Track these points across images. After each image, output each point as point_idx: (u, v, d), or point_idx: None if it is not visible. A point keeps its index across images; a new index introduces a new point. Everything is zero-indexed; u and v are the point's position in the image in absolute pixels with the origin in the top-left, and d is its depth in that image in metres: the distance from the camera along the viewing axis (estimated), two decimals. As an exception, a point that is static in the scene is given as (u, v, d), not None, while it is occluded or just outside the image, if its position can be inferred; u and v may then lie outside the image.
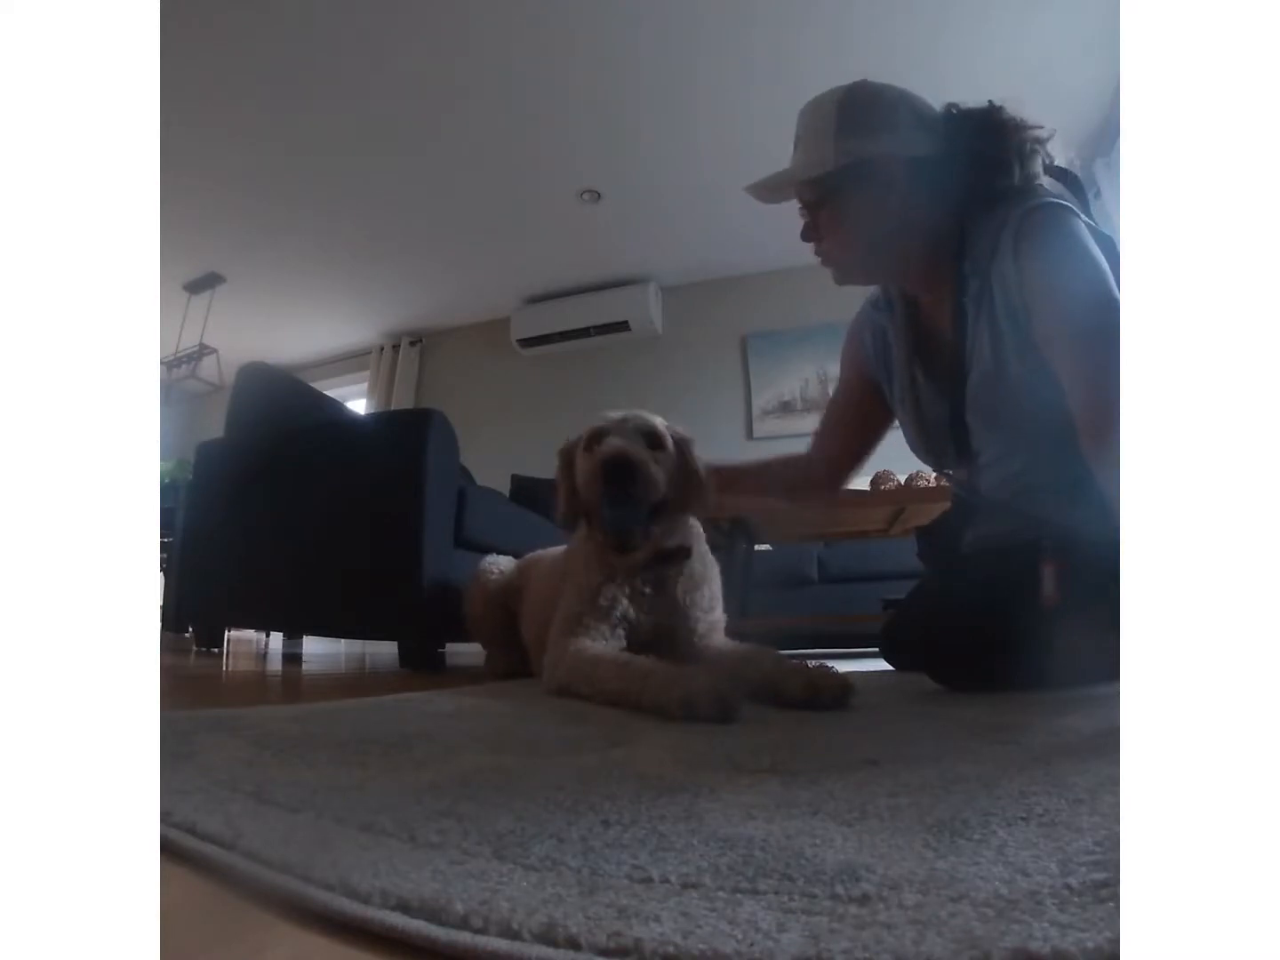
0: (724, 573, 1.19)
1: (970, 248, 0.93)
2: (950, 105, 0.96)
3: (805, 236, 1.00)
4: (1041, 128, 0.92)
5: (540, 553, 1.51)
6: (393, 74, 2.72)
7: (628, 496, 0.97)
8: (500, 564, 1.59)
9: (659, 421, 1.09)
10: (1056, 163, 0.95)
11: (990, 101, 0.93)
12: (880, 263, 1.00)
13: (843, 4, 2.45)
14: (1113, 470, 0.78)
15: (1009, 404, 0.93)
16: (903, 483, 2.19)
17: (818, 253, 1.01)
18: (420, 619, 1.69)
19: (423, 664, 1.71)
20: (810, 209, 0.97)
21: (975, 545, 1.05)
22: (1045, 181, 0.92)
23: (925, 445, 1.09)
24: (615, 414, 1.08)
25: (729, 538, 2.14)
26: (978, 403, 0.96)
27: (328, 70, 2.69)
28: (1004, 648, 0.88)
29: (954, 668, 0.97)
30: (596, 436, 1.04)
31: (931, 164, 0.91)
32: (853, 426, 1.19)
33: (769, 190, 0.98)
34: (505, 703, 0.90)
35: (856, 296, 1.17)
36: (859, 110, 0.91)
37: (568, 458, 1.10)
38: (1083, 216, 0.88)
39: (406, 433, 1.81)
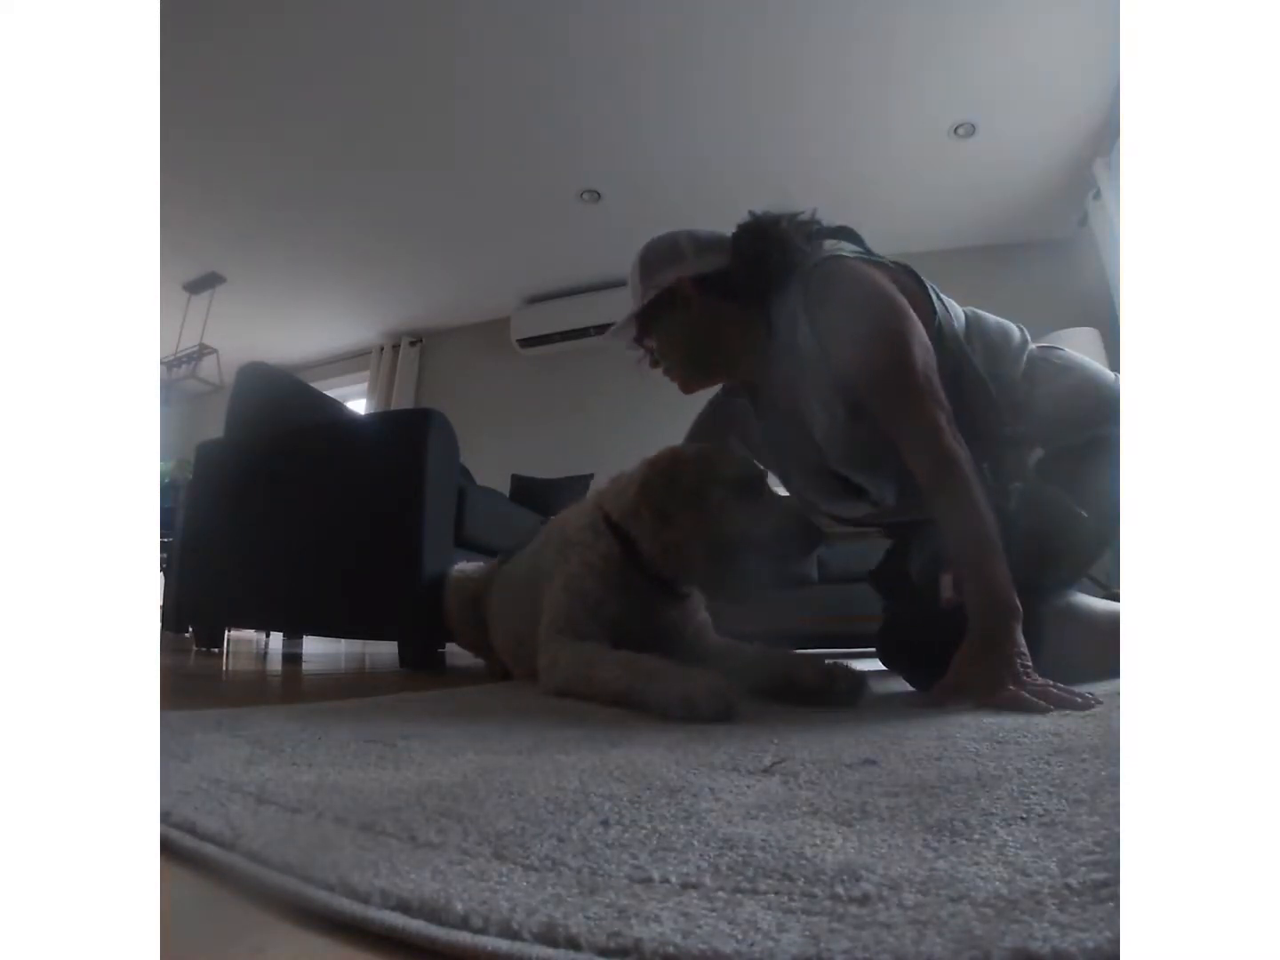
0: None
1: (776, 329, 1.05)
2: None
3: (650, 364, 1.18)
4: (802, 211, 1.08)
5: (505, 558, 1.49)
6: (393, 74, 2.72)
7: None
8: (467, 570, 1.59)
9: None
10: (826, 226, 1.09)
11: (750, 211, 1.09)
12: (707, 365, 1.15)
13: (843, 5, 2.45)
14: (956, 511, 0.81)
15: (860, 452, 1.02)
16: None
17: (665, 373, 1.17)
18: (420, 619, 1.69)
19: (422, 664, 1.71)
20: (642, 341, 1.16)
21: (923, 576, 1.09)
22: (825, 245, 1.05)
23: (824, 505, 1.18)
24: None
25: None
26: (835, 459, 1.06)
27: (328, 70, 2.69)
28: None
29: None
30: (753, 484, 1.00)
31: (717, 275, 1.07)
32: None
33: (616, 336, 1.17)
34: (505, 702, 0.90)
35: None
36: (653, 255, 1.11)
37: (677, 478, 0.99)
38: (855, 256, 1.01)
39: (406, 433, 1.81)
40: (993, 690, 0.73)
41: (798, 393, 1.05)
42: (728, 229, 1.10)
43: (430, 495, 1.74)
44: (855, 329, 0.92)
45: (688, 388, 1.18)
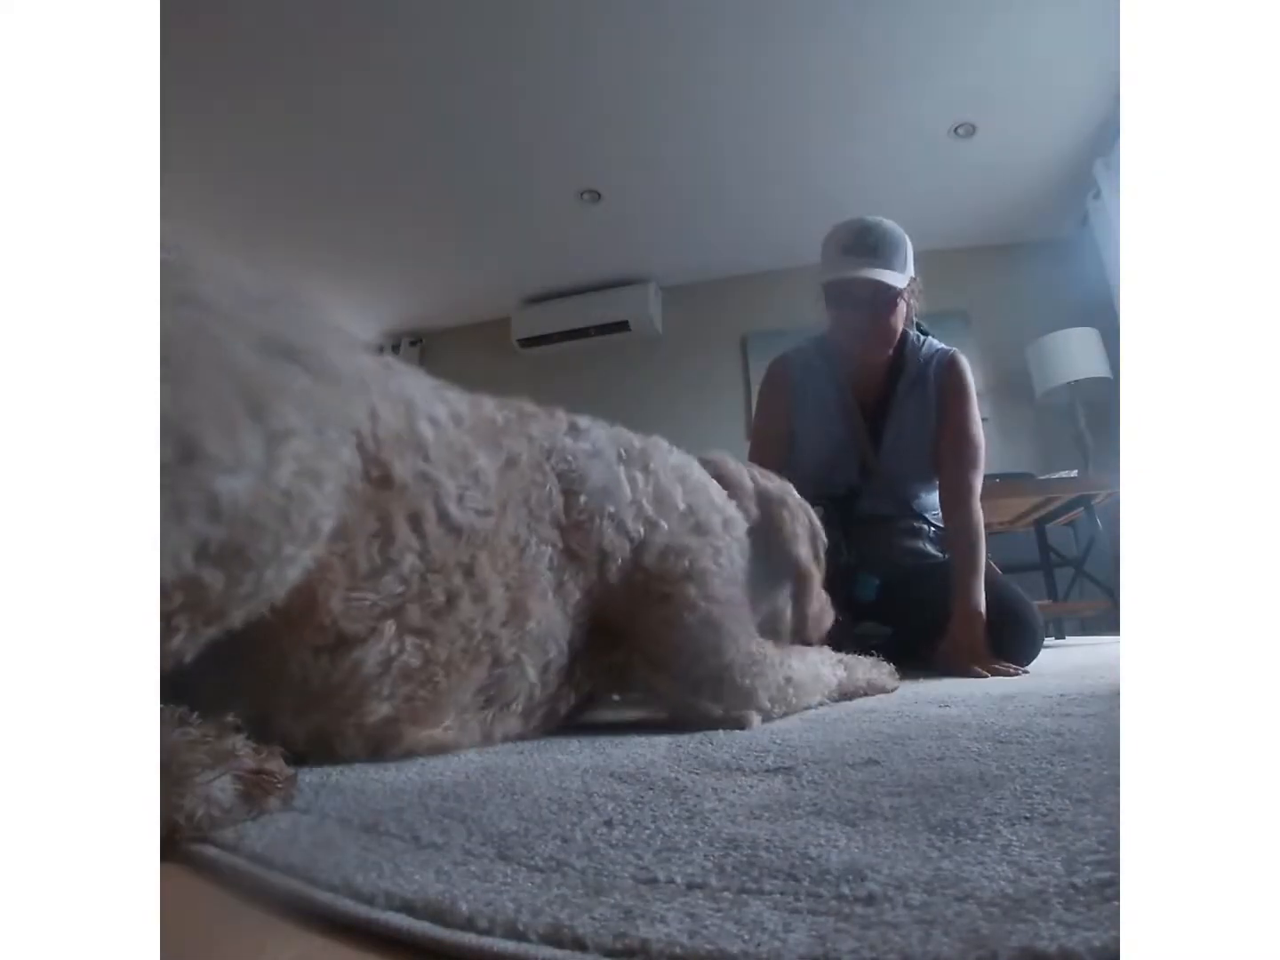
0: None
1: (911, 352, 1.50)
2: None
3: (863, 330, 1.41)
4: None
5: None
6: (393, 74, 2.72)
7: None
8: None
9: None
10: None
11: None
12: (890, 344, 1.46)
13: (843, 5, 2.45)
14: (955, 530, 1.40)
15: (911, 448, 1.48)
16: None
17: (861, 339, 1.43)
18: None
19: None
20: (876, 306, 1.38)
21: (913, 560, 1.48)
22: None
23: (831, 462, 1.49)
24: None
25: None
26: (895, 442, 1.48)
27: (328, 70, 2.69)
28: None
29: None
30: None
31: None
32: (783, 454, 1.52)
33: (862, 272, 1.34)
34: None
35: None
36: (907, 249, 1.39)
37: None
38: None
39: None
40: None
41: (896, 391, 1.48)
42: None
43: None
44: (971, 411, 1.45)
45: (870, 355, 1.46)
